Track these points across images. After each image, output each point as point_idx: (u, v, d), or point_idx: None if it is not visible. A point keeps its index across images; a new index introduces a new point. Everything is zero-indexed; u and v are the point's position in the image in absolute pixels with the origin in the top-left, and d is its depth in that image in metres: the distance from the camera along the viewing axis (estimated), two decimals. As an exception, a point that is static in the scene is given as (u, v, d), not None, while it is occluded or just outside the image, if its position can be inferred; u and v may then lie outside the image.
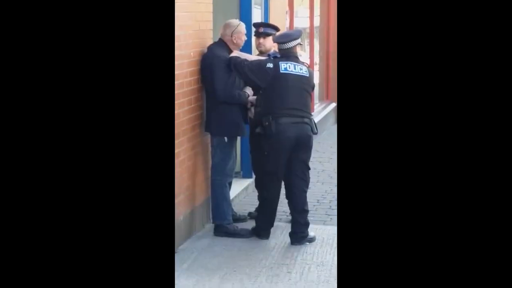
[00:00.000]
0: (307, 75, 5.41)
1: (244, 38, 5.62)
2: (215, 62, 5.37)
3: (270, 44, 5.87)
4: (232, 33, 5.51)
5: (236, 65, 5.35)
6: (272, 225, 5.54)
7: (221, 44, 5.54)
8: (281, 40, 5.43)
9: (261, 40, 5.90)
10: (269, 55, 5.72)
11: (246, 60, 5.40)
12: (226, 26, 5.56)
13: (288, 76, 5.29)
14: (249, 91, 5.57)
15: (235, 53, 5.54)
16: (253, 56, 5.82)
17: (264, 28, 5.93)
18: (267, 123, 5.25)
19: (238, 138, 6.04)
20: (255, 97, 5.51)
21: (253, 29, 6.08)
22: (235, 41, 5.54)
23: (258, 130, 5.38)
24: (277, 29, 6.02)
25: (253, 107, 5.54)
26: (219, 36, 5.64)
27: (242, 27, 5.59)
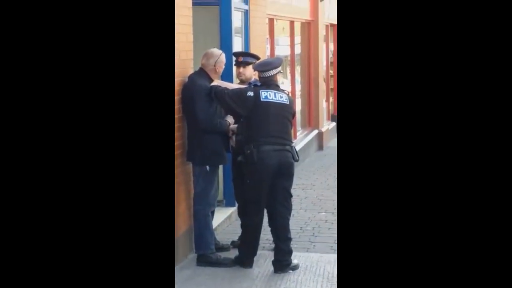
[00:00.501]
0: (288, 103, 5.44)
1: (223, 66, 5.66)
2: (196, 91, 5.38)
3: (250, 73, 5.90)
4: (215, 62, 5.54)
5: (217, 94, 5.37)
6: (255, 253, 5.52)
7: (201, 73, 5.55)
8: (261, 68, 5.46)
9: (241, 69, 5.93)
10: (249, 84, 5.75)
11: (226, 88, 5.42)
12: (209, 55, 5.58)
13: (269, 104, 5.31)
14: (230, 119, 5.58)
15: (216, 82, 5.56)
16: (234, 85, 5.85)
17: (244, 58, 5.97)
18: (248, 151, 5.26)
19: (221, 167, 6.03)
20: (236, 125, 5.52)
21: (233, 58, 6.11)
22: (217, 70, 5.57)
23: (240, 158, 5.39)
24: (257, 57, 6.06)
25: (234, 136, 5.54)
26: (199, 65, 5.67)
27: (223, 56, 5.64)
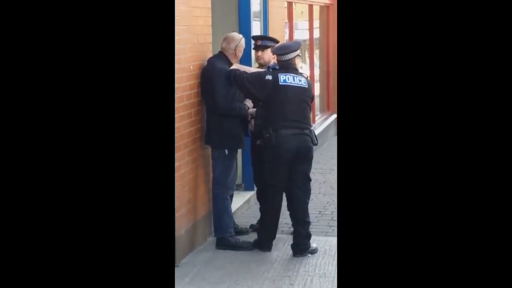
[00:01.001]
0: (306, 86, 5.42)
1: (242, 51, 5.69)
2: (215, 75, 5.39)
3: (269, 57, 5.89)
4: (236, 47, 5.55)
5: (236, 78, 5.37)
6: (274, 237, 5.53)
7: (221, 57, 5.56)
8: (280, 52, 5.44)
9: (260, 53, 5.92)
10: (268, 67, 5.74)
11: (245, 72, 5.42)
12: (230, 39, 5.59)
13: (287, 87, 5.30)
14: (249, 103, 5.59)
15: (235, 66, 5.57)
16: (253, 69, 5.85)
17: (262, 41, 5.96)
18: (267, 135, 5.26)
19: (239, 151, 6.04)
20: (255, 109, 5.52)
21: (252, 42, 6.10)
22: (237, 55, 5.60)
23: (258, 142, 5.40)
24: (275, 41, 6.04)
25: (253, 120, 5.54)
26: (218, 49, 5.66)
27: (243, 40, 5.67)
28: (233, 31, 5.87)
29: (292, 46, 5.51)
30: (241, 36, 5.68)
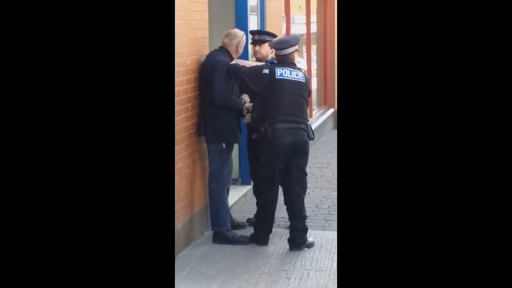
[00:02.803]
0: (303, 81, 5.42)
1: (243, 47, 5.76)
2: (217, 67, 5.42)
3: (266, 51, 5.90)
4: (238, 43, 5.61)
5: (235, 72, 5.39)
6: (270, 231, 5.55)
7: (223, 51, 5.60)
8: (279, 46, 5.45)
9: (257, 47, 5.93)
10: (267, 62, 5.74)
11: (244, 66, 5.43)
12: (232, 36, 5.62)
13: (283, 81, 5.31)
14: (246, 98, 5.60)
15: (236, 61, 5.60)
16: (252, 63, 5.86)
17: (260, 36, 5.97)
18: (263, 129, 5.27)
19: (236, 145, 6.05)
20: (251, 104, 5.53)
21: (250, 36, 6.11)
22: (239, 51, 5.66)
23: (254, 136, 5.40)
24: (273, 35, 6.04)
25: (249, 114, 5.55)
26: (215, 43, 5.67)
27: (245, 37, 5.73)
28: (234, 28, 5.89)
29: (291, 41, 5.51)
30: (243, 33, 5.73)
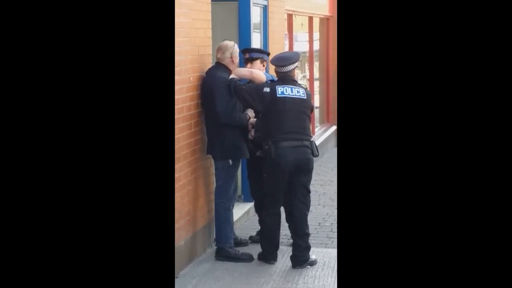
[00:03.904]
0: (305, 98, 5.42)
1: (238, 56, 5.70)
2: (215, 85, 5.41)
3: (258, 68, 5.85)
4: (231, 54, 5.56)
5: (235, 89, 5.38)
6: (278, 247, 5.53)
7: (219, 67, 5.57)
8: (279, 63, 5.44)
9: (249, 65, 5.91)
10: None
11: (244, 84, 5.42)
12: (224, 49, 5.58)
13: (285, 99, 5.31)
14: (250, 113, 5.59)
15: (236, 71, 5.56)
16: (248, 70, 5.78)
17: (250, 53, 5.96)
18: (266, 147, 5.27)
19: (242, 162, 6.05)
20: (255, 119, 5.53)
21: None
22: (234, 61, 5.60)
23: (258, 153, 5.40)
24: (264, 52, 6.06)
25: (253, 129, 5.54)
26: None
27: (236, 46, 5.67)
28: (224, 39, 5.85)
29: (291, 58, 5.50)
30: (233, 42, 5.67)
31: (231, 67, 5.58)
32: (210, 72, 5.55)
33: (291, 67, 5.40)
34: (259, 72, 5.72)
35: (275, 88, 5.32)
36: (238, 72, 5.60)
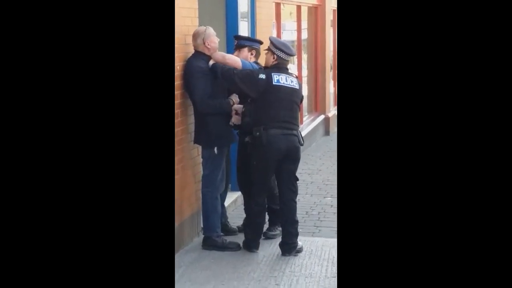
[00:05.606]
0: (297, 88, 5.43)
1: (217, 39, 5.55)
2: (191, 74, 5.37)
3: (244, 56, 5.79)
4: (204, 39, 5.46)
5: (224, 74, 5.32)
6: (260, 235, 5.54)
7: (196, 55, 5.48)
8: (286, 50, 5.41)
9: (236, 52, 5.88)
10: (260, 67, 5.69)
11: (235, 69, 5.37)
12: (196, 35, 5.49)
13: (280, 88, 5.29)
14: (235, 98, 5.54)
15: (216, 55, 5.46)
16: (230, 56, 5.68)
17: (239, 41, 5.93)
18: (258, 134, 5.24)
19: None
20: (240, 105, 5.49)
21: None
22: (209, 46, 5.46)
23: (247, 139, 5.36)
24: (254, 40, 6.04)
25: (236, 116, 5.50)
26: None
27: (210, 30, 5.52)
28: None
29: (292, 49, 5.55)
30: (204, 27, 5.53)
31: (207, 53, 5.45)
32: (188, 60, 5.49)
33: (291, 57, 5.45)
34: (232, 57, 5.62)
35: (271, 76, 5.30)
36: (213, 57, 5.49)
